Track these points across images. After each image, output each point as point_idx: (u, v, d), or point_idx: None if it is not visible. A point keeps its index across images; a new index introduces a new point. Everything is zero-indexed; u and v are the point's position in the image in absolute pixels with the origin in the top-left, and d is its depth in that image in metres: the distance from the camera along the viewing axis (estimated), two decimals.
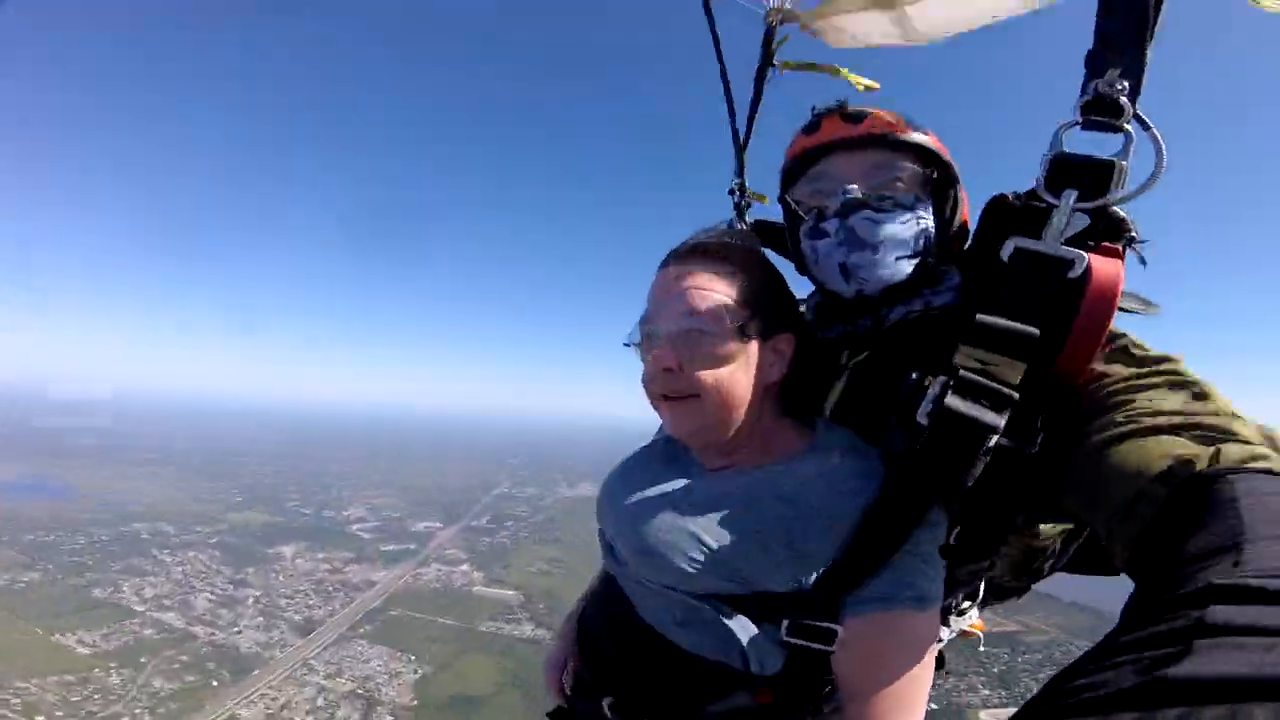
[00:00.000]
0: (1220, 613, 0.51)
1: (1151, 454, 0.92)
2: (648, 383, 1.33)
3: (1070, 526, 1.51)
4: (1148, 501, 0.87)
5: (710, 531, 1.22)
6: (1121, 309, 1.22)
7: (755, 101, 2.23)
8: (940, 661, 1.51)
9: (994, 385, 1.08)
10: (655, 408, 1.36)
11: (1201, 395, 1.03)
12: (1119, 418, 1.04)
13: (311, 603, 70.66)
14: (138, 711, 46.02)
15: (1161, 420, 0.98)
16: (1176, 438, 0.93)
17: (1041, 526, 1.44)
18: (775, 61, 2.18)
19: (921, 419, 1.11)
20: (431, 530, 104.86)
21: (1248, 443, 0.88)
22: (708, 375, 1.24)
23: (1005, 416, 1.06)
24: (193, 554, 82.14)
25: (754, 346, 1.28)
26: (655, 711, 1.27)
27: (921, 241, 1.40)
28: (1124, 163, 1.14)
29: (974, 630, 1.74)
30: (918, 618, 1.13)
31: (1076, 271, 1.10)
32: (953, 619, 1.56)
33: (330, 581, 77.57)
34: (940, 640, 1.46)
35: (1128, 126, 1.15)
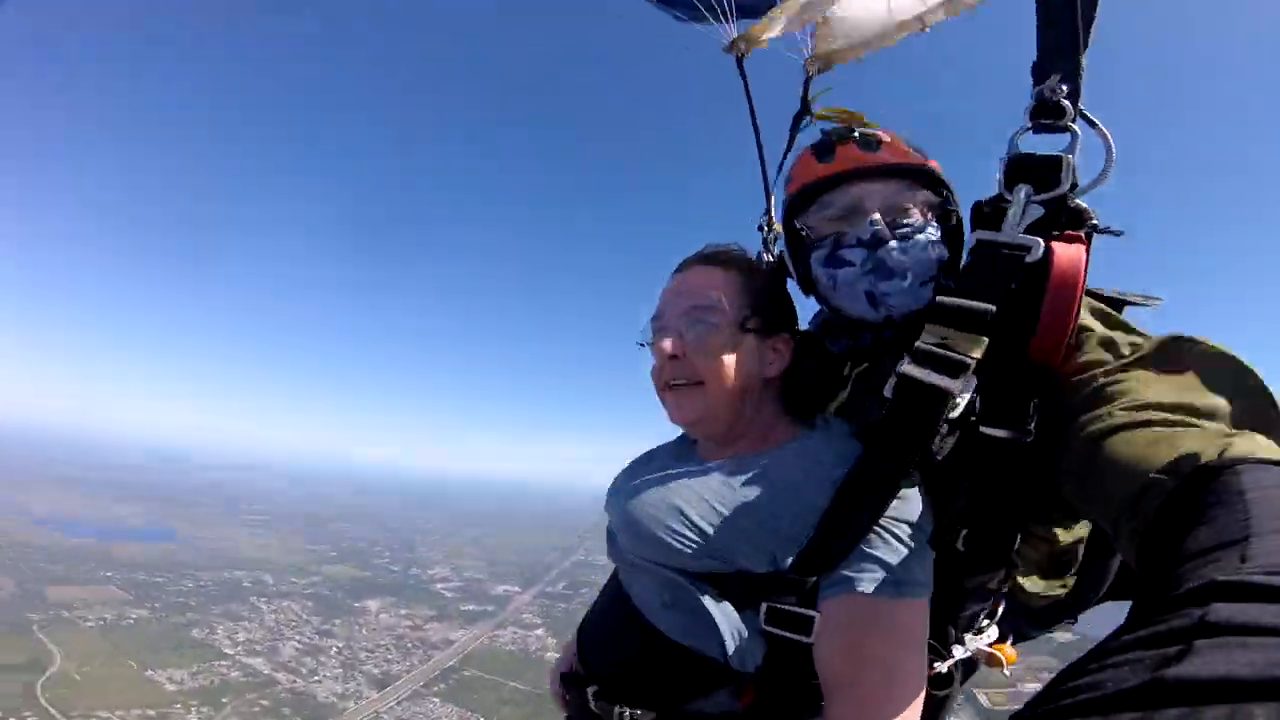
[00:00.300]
0: (1223, 611, 0.50)
1: (1155, 445, 0.91)
2: (655, 374, 1.42)
3: (1084, 534, 1.44)
4: (1153, 495, 0.85)
5: (693, 505, 1.27)
6: (1128, 302, 1.36)
7: (789, 147, 2.27)
8: (946, 680, 1.43)
9: (948, 354, 1.16)
10: (661, 399, 1.44)
11: (1205, 382, 1.01)
12: (1117, 408, 1.03)
13: (390, 657, 69.71)
14: None
15: (1163, 412, 0.96)
16: (1181, 429, 0.92)
17: (1057, 531, 1.39)
18: (811, 110, 2.27)
19: (887, 392, 1.18)
20: (510, 594, 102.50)
21: (1253, 433, 0.87)
22: (710, 362, 1.34)
23: (962, 382, 1.13)
24: (286, 603, 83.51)
25: (753, 341, 1.38)
26: (637, 702, 1.26)
27: (938, 265, 1.45)
28: (1069, 156, 1.28)
29: (1000, 656, 1.55)
30: (894, 603, 1.10)
31: (1035, 255, 1.20)
32: (968, 637, 1.45)
33: (410, 638, 76.47)
34: (951, 657, 1.41)
35: (1073, 126, 1.29)
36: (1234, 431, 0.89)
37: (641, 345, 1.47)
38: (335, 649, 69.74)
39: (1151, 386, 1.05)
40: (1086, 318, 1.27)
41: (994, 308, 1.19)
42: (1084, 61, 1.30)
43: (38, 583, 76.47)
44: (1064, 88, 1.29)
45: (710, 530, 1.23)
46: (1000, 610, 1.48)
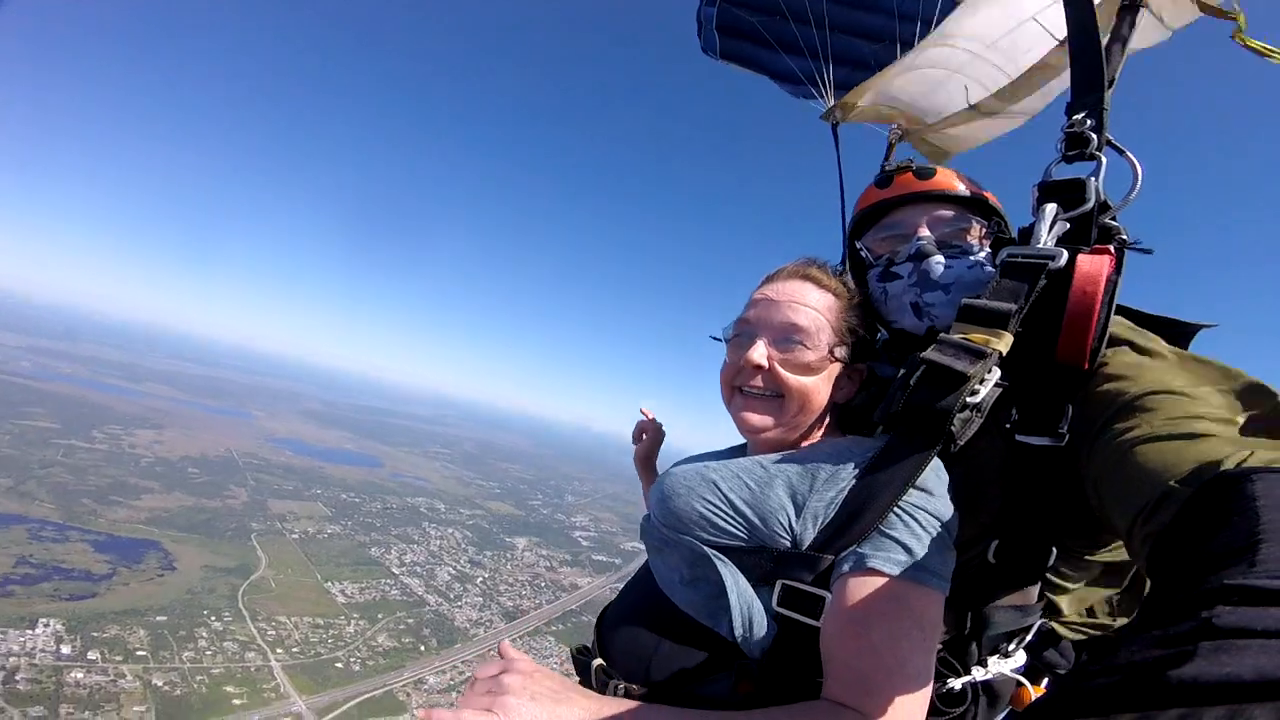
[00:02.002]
0: (1228, 614, 0.49)
1: (1180, 456, 0.91)
2: (731, 375, 1.42)
3: (1122, 559, 1.38)
4: (1171, 502, 0.85)
5: (726, 479, 1.29)
6: (1179, 324, 1.39)
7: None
8: (959, 699, 1.37)
9: (968, 342, 1.20)
10: (728, 400, 1.44)
11: (1242, 396, 1.02)
12: (1146, 419, 1.04)
13: (524, 593, 74.11)
14: (352, 661, 51.02)
15: (1196, 424, 0.96)
16: (1205, 439, 0.92)
17: (1097, 552, 1.35)
18: None
19: (911, 381, 1.21)
20: (638, 550, 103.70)
21: (1276, 443, 0.86)
22: (796, 380, 1.35)
23: (980, 367, 1.15)
24: (451, 530, 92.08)
25: (836, 368, 1.39)
26: (639, 679, 1.24)
27: (983, 285, 1.48)
28: (1092, 179, 1.36)
29: (1025, 690, 1.45)
30: (906, 585, 1.07)
31: (1058, 263, 1.24)
32: (993, 660, 1.37)
33: (545, 578, 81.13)
34: (968, 675, 1.36)
35: (1099, 154, 1.39)
36: (1257, 442, 0.88)
37: (717, 340, 1.50)
38: (481, 579, 75.60)
39: (1180, 399, 1.05)
40: (1122, 330, 1.30)
41: (1015, 306, 1.22)
42: (1108, 97, 1.43)
43: (264, 495, 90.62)
44: (1089, 122, 1.40)
45: (739, 502, 1.24)
46: (1029, 637, 1.40)
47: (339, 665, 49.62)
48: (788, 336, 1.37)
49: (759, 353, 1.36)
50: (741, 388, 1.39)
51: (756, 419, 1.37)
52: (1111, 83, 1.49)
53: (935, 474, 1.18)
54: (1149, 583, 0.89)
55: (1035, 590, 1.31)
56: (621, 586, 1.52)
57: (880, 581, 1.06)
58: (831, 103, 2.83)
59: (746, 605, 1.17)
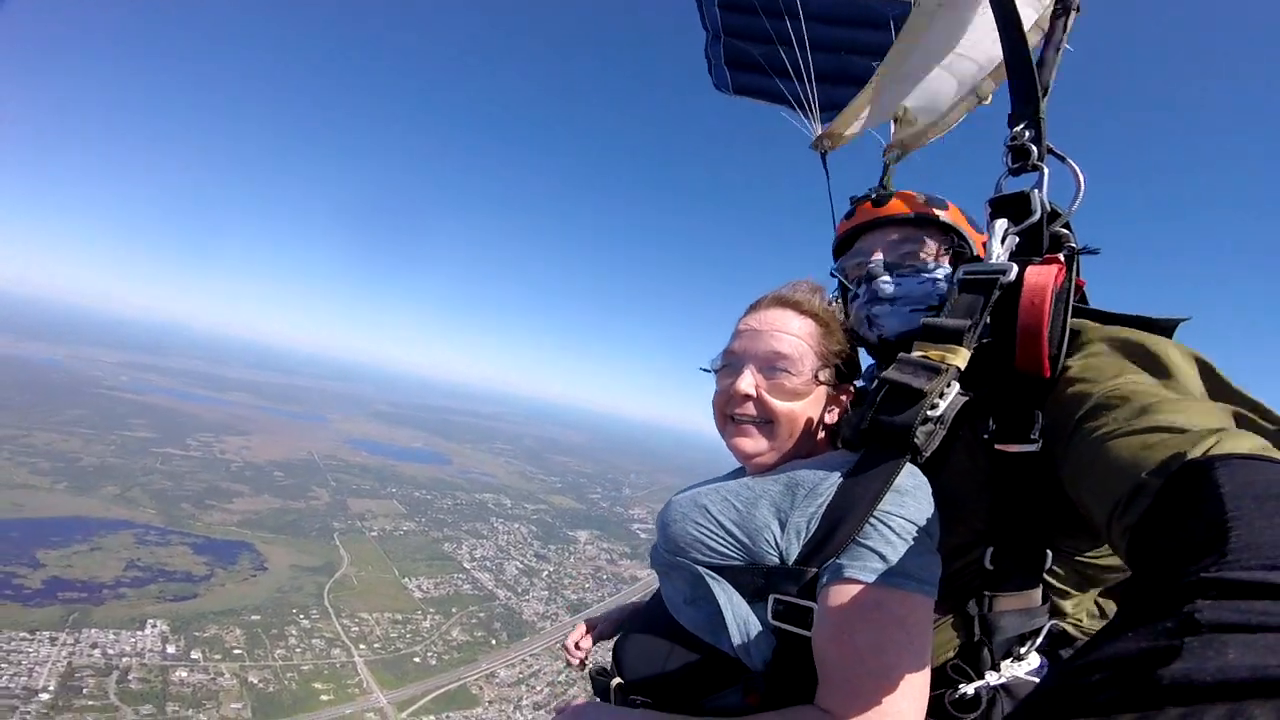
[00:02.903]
0: (1208, 609, 0.49)
1: (1149, 447, 0.93)
2: (719, 401, 1.47)
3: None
4: (1144, 494, 0.87)
5: (716, 503, 1.34)
6: (1151, 321, 1.35)
7: None
8: (973, 704, 1.39)
9: (923, 359, 1.26)
10: (721, 428, 1.49)
11: (1200, 387, 1.05)
12: (1117, 414, 1.05)
13: (587, 586, 74.92)
14: (429, 655, 52.46)
15: (1161, 416, 0.98)
16: (1173, 433, 0.93)
17: (1094, 556, 1.35)
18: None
19: (876, 399, 1.27)
20: None
21: (1238, 429, 0.89)
22: (783, 407, 1.39)
23: (936, 383, 1.20)
24: (517, 525, 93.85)
25: (823, 392, 1.44)
26: (656, 696, 1.31)
27: (935, 298, 1.58)
28: (1035, 190, 1.40)
29: None
30: (883, 591, 1.09)
31: (1008, 278, 1.28)
32: (1006, 664, 1.39)
33: (606, 570, 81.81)
34: (981, 680, 1.38)
35: (1041, 164, 1.43)
36: (1223, 431, 0.89)
37: (707, 370, 1.55)
38: (547, 572, 76.96)
39: (1149, 393, 1.06)
40: (1086, 329, 1.32)
41: (969, 322, 1.27)
42: (1044, 106, 1.46)
43: (344, 494, 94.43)
44: (1028, 133, 1.44)
45: (727, 523, 1.28)
46: (1040, 640, 1.42)
47: (416, 660, 50.97)
48: (773, 365, 1.41)
49: (746, 382, 1.40)
50: (733, 416, 1.43)
51: (749, 445, 1.41)
52: (1046, 91, 1.51)
53: (910, 482, 1.21)
54: (1130, 576, 0.90)
55: (1038, 593, 1.34)
56: None
57: (859, 590, 1.10)
58: (819, 130, 2.84)
59: (743, 621, 1.21)
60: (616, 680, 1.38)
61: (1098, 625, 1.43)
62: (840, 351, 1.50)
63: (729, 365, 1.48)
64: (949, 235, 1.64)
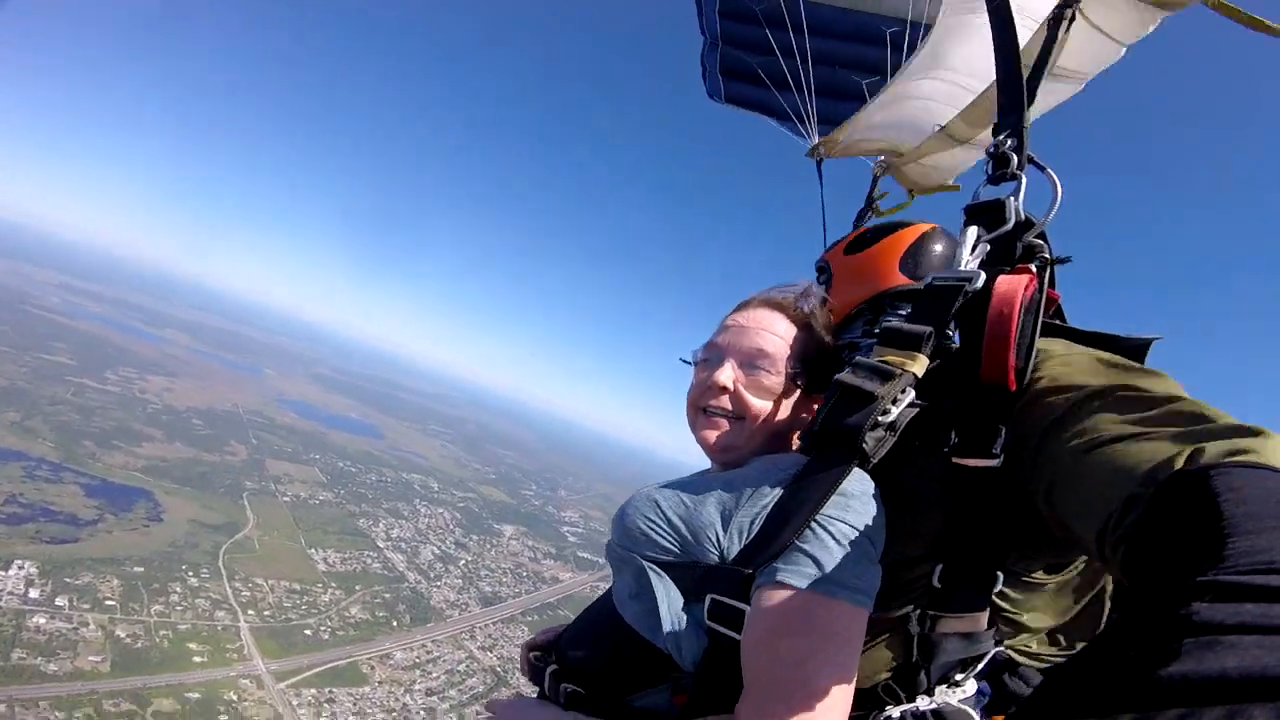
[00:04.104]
0: (1206, 610, 0.49)
1: (1135, 457, 0.92)
2: (694, 392, 1.48)
3: (1070, 581, 1.36)
4: (1136, 504, 0.86)
5: (667, 499, 1.34)
6: (1121, 340, 1.33)
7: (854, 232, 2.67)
8: None
9: (879, 364, 1.24)
10: (692, 420, 1.49)
11: (1174, 397, 1.03)
12: (1101, 425, 1.03)
13: (505, 580, 73.34)
14: (322, 629, 50.45)
15: (1138, 426, 0.98)
16: (1156, 442, 0.92)
17: (1041, 573, 1.32)
18: (875, 205, 2.84)
19: (828, 401, 1.26)
20: None
21: (1226, 438, 0.88)
22: (757, 404, 1.40)
23: (889, 388, 1.19)
24: (441, 510, 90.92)
25: (798, 395, 1.45)
26: (587, 686, 1.34)
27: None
28: (1010, 199, 1.36)
29: None
30: (813, 598, 1.07)
31: (975, 285, 1.25)
32: (940, 689, 1.35)
33: (528, 568, 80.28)
34: (910, 704, 1.34)
35: (1019, 173, 1.39)
36: (1208, 436, 0.89)
37: (686, 362, 1.56)
38: (464, 561, 74.87)
39: (1126, 401, 1.05)
40: (1053, 344, 1.30)
41: (928, 330, 1.24)
42: (1029, 116, 1.45)
43: (264, 454, 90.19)
44: (1010, 142, 1.41)
45: (675, 519, 1.28)
46: (981, 666, 1.39)
47: (308, 632, 49.04)
48: (753, 362, 1.42)
49: (726, 374, 1.41)
50: (706, 408, 1.44)
51: (716, 437, 1.42)
52: (1031, 101, 1.49)
53: (857, 488, 1.20)
54: (1124, 587, 0.89)
55: (984, 617, 1.30)
56: (603, 587, 1.54)
57: (789, 595, 1.08)
58: (816, 140, 2.93)
59: (678, 618, 1.21)
60: (553, 667, 1.42)
61: (1049, 653, 1.42)
62: (816, 355, 1.49)
63: (709, 359, 1.49)
64: (888, 301, 1.74)
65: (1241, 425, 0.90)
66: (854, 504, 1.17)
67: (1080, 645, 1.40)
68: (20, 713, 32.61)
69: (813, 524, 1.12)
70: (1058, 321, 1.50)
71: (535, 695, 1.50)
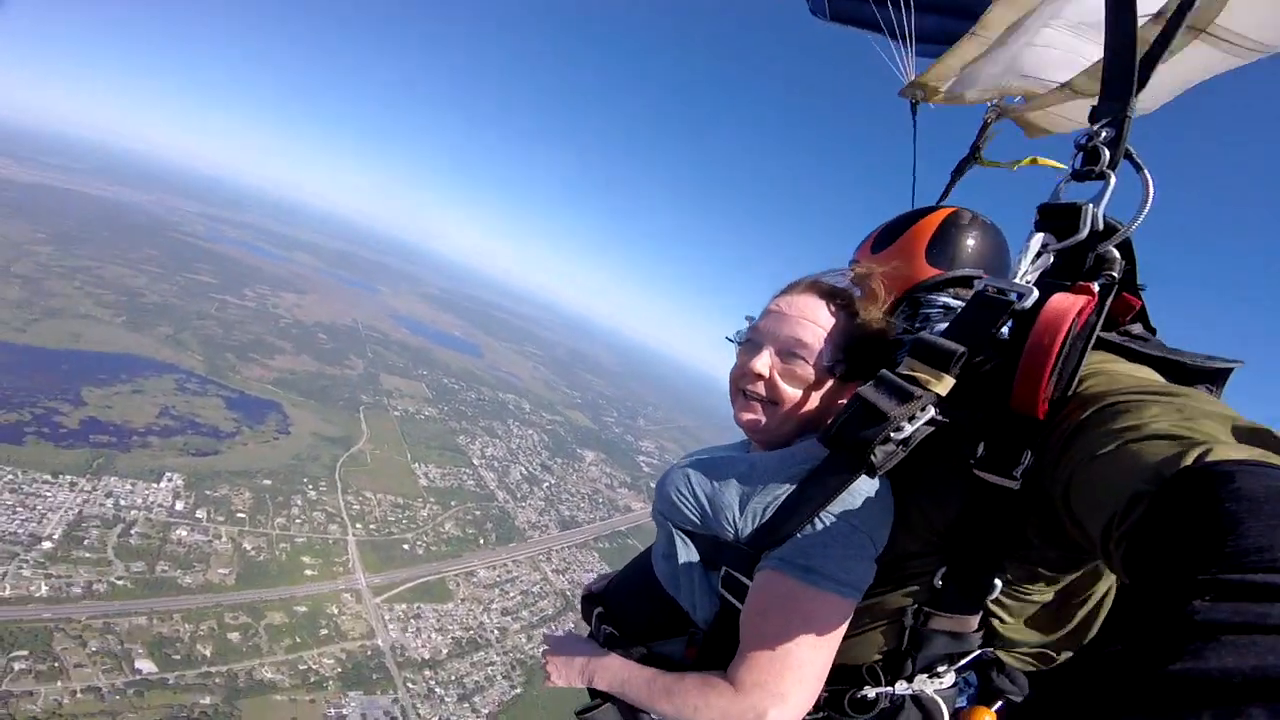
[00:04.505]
0: (1206, 610, 0.49)
1: (1142, 457, 0.90)
2: (736, 376, 1.53)
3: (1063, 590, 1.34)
4: (1139, 503, 0.84)
5: (697, 475, 1.44)
6: (1189, 366, 1.26)
7: (949, 186, 2.47)
8: (870, 705, 1.39)
9: (901, 382, 1.19)
10: (732, 399, 1.54)
11: (1200, 403, 1.00)
12: (1113, 425, 1.01)
13: (582, 506, 77.21)
14: (418, 544, 55.16)
15: (1154, 427, 0.95)
16: (1167, 441, 0.91)
17: (1038, 591, 1.30)
18: (979, 154, 2.49)
19: (849, 408, 1.24)
20: None
21: (1233, 440, 0.87)
22: (790, 392, 1.45)
23: (906, 409, 1.15)
24: (530, 432, 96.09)
25: (833, 384, 1.47)
26: (621, 629, 1.56)
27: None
28: (1088, 205, 1.17)
29: (977, 711, 1.45)
30: (799, 586, 1.21)
31: (1024, 304, 1.14)
32: (920, 678, 1.37)
33: (604, 494, 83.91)
34: (888, 688, 1.38)
35: (1109, 172, 1.19)
36: (1217, 439, 0.87)
37: (731, 341, 1.61)
38: (548, 484, 79.41)
39: (1146, 409, 1.01)
40: (1104, 364, 1.21)
41: (964, 349, 1.17)
42: (1134, 105, 1.19)
43: (378, 368, 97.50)
44: (1105, 134, 1.20)
45: (700, 494, 1.40)
46: (963, 663, 1.41)
47: (405, 547, 53.59)
48: (791, 350, 1.45)
49: (762, 362, 1.45)
50: (744, 390, 1.49)
51: (750, 419, 1.48)
52: (1142, 85, 1.22)
53: (864, 488, 1.26)
54: (1126, 585, 0.90)
55: (974, 620, 1.31)
56: None
57: (781, 579, 1.21)
58: (913, 76, 2.61)
59: (695, 582, 1.38)
60: (599, 609, 1.62)
61: (1032, 658, 1.42)
62: (857, 345, 1.49)
63: (751, 341, 1.53)
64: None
65: (1256, 427, 0.89)
66: (858, 502, 1.24)
67: (1067, 652, 1.39)
68: (156, 625, 36.52)
69: (815, 519, 1.23)
70: (1129, 335, 1.39)
71: (587, 634, 1.70)
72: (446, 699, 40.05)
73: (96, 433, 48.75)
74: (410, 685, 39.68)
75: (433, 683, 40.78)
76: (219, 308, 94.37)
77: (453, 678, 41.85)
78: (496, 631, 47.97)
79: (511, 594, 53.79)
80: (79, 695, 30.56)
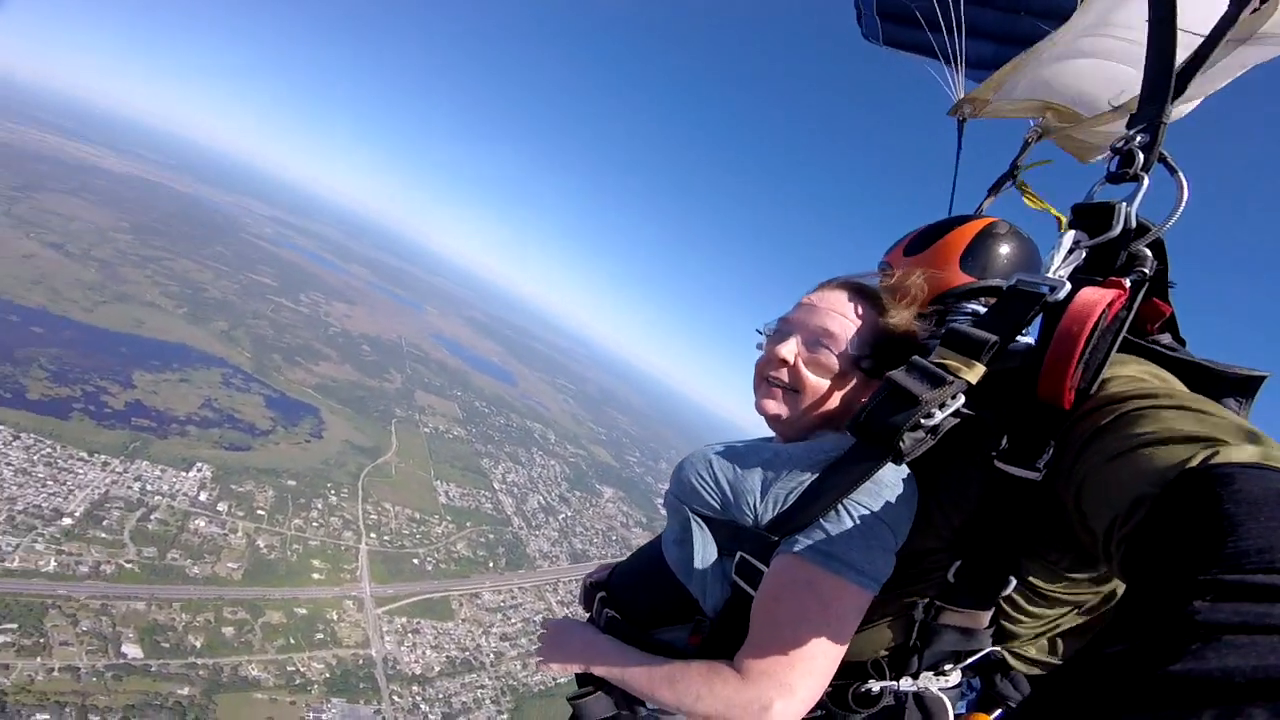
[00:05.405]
0: (1206, 610, 0.48)
1: (1152, 460, 0.90)
2: (761, 365, 1.52)
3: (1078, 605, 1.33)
4: (1142, 505, 0.85)
5: (718, 461, 1.41)
6: (1217, 373, 1.26)
7: (986, 199, 2.51)
8: (874, 699, 1.36)
9: (933, 368, 1.17)
10: (755, 388, 1.53)
11: (1207, 410, 1.00)
12: (1128, 431, 1.01)
13: (595, 541, 75.13)
14: (428, 559, 54.27)
15: (1167, 432, 0.95)
16: (1176, 446, 0.90)
17: (1051, 591, 1.29)
18: (1017, 175, 2.50)
19: (875, 396, 1.22)
20: None
21: (1245, 442, 0.86)
22: (814, 380, 1.43)
23: (937, 393, 1.13)
24: (553, 462, 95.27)
25: (858, 378, 1.45)
26: (624, 614, 1.51)
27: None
28: (1122, 203, 1.19)
29: (976, 717, 1.45)
30: (817, 571, 1.16)
31: (1055, 296, 1.14)
32: (926, 674, 1.35)
33: (619, 532, 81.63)
34: (892, 681, 1.35)
35: (1142, 174, 1.22)
36: (1225, 441, 0.86)
37: (761, 332, 1.58)
38: (564, 515, 77.98)
39: (1163, 414, 1.00)
40: (1128, 367, 1.21)
41: (994, 339, 1.17)
42: (1170, 110, 1.23)
43: (415, 385, 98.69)
44: (1140, 138, 1.23)
45: (722, 480, 1.35)
46: (972, 661, 1.37)
47: (415, 561, 52.65)
48: (818, 339, 1.44)
49: (788, 348, 1.45)
50: (768, 378, 1.47)
51: (773, 407, 1.45)
52: (1180, 92, 1.27)
53: (889, 478, 1.24)
54: (1125, 587, 0.89)
55: (986, 616, 1.28)
56: None
57: (799, 564, 1.17)
58: (962, 94, 2.67)
59: (708, 568, 1.34)
60: (603, 594, 1.58)
61: (1044, 659, 1.39)
62: (885, 341, 1.46)
63: (780, 331, 1.52)
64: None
65: (1258, 433, 0.88)
66: (883, 493, 1.21)
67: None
68: (154, 611, 35.54)
69: (838, 506, 1.19)
70: (1157, 344, 1.38)
71: (586, 620, 1.62)
72: (430, 716, 38.42)
73: (139, 416, 49.44)
74: (396, 699, 38.17)
75: (419, 698, 39.16)
76: (274, 309, 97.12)
77: (440, 696, 40.18)
78: (492, 655, 46.35)
79: (513, 620, 52.01)
80: (55, 673, 29.54)
